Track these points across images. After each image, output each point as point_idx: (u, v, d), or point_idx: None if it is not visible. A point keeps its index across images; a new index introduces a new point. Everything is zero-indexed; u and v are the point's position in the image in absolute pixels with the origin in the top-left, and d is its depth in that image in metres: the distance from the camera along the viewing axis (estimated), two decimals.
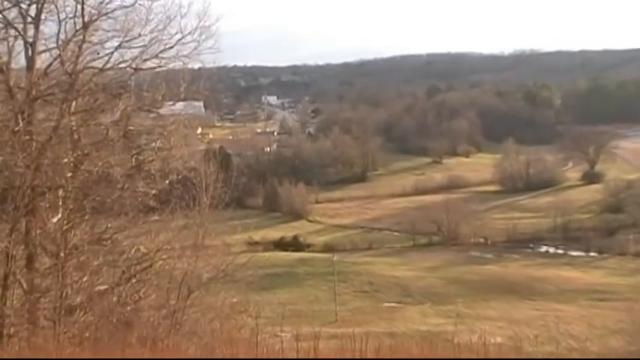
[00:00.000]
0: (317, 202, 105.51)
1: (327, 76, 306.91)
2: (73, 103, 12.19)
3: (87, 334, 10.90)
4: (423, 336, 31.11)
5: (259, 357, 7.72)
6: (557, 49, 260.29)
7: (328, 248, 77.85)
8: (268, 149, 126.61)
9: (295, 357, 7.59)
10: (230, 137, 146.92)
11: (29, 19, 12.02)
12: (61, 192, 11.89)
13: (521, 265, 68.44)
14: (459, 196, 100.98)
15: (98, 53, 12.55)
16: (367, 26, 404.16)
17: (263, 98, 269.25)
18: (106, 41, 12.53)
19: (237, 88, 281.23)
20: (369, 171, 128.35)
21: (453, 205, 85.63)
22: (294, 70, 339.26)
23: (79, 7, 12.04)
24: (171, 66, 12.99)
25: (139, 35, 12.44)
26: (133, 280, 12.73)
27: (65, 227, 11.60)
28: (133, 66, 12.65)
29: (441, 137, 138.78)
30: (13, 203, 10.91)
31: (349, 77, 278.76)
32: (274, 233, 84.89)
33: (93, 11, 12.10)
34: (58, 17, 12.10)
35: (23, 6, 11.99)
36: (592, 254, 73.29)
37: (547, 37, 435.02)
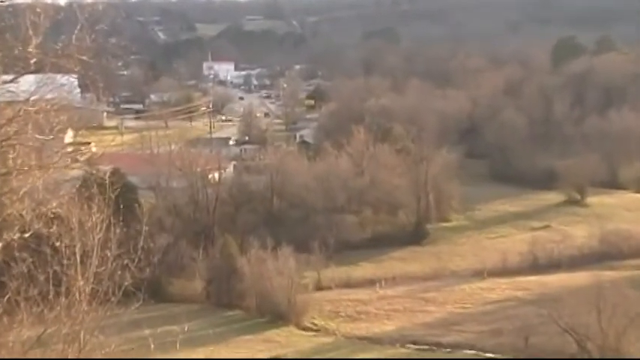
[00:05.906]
0: (319, 288, 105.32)
1: (337, 21, 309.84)
2: None
3: None
4: None
5: None
6: None
7: None
8: (216, 176, 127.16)
9: None
10: (135, 149, 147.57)
11: None
12: None
13: None
14: (624, 274, 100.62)
15: None
16: None
17: (205, 67, 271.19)
18: None
19: (152, 48, 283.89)
20: (431, 222, 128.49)
21: (612, 294, 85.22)
22: (269, 10, 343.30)
23: None
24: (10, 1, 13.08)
25: None
26: None
27: None
28: None
29: (584, 149, 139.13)
30: None
31: (383, 22, 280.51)
32: (231, 356, 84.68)
33: None
34: None
35: None
36: None
37: None
